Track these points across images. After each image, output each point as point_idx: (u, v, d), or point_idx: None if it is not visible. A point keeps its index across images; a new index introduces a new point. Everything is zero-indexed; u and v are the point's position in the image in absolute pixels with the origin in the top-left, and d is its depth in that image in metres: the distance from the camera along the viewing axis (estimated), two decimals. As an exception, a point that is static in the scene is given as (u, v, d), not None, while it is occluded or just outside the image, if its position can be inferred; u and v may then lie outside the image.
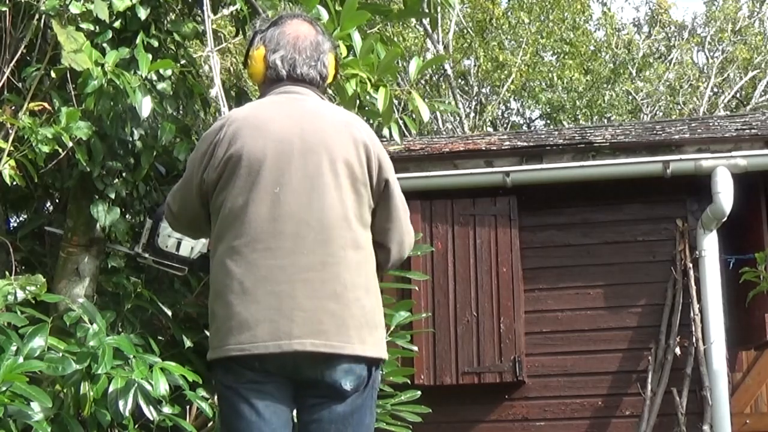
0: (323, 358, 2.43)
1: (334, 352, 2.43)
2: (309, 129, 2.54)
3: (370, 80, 3.72)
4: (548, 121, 18.21)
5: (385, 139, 5.93)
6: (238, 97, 4.54)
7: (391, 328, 4.29)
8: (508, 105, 18.98)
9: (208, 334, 4.29)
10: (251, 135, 2.51)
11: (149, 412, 3.45)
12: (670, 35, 19.17)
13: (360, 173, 2.54)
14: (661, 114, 17.96)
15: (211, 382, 4.08)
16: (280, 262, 2.44)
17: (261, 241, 2.45)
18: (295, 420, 2.59)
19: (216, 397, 2.64)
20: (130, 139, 3.94)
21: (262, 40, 2.69)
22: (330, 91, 3.57)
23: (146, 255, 3.99)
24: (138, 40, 3.76)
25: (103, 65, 3.53)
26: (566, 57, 17.61)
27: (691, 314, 5.75)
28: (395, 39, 13.37)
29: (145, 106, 3.65)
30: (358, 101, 3.82)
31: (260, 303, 2.42)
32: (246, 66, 2.74)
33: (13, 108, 3.67)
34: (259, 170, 2.48)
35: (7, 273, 3.64)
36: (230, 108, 4.47)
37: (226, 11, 4.07)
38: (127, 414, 3.38)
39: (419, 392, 4.40)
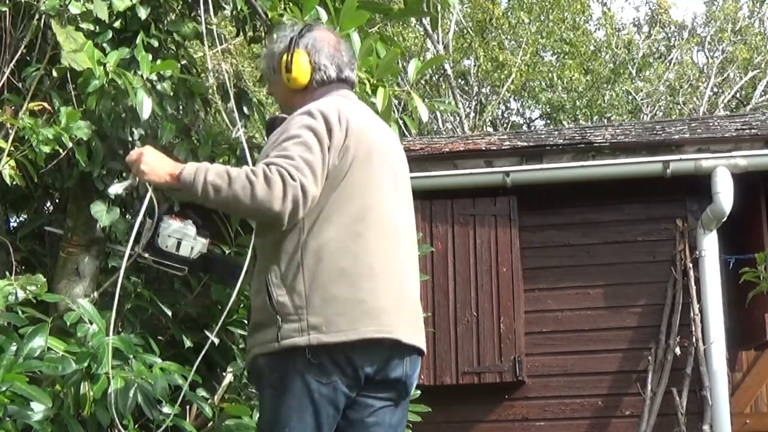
0: (415, 355, 2.54)
1: (423, 349, 2.58)
2: (386, 134, 2.69)
3: (369, 81, 3.72)
4: (548, 121, 18.21)
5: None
6: (237, 97, 4.53)
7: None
8: (508, 105, 19.00)
9: (208, 334, 4.33)
10: (361, 128, 2.56)
11: (149, 412, 3.46)
12: (670, 35, 19.18)
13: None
14: (661, 114, 17.97)
15: (211, 381, 4.10)
16: (394, 254, 2.53)
17: (376, 231, 2.51)
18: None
19: (276, 383, 2.44)
20: (130, 139, 3.94)
21: (303, 46, 2.70)
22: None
23: (146, 255, 3.99)
24: (138, 40, 3.76)
25: (105, 65, 3.54)
26: (566, 57, 17.62)
27: (691, 314, 5.75)
28: (395, 39, 13.37)
29: (146, 106, 3.65)
30: (357, 101, 3.82)
31: (391, 292, 2.48)
32: (289, 71, 2.68)
33: (13, 108, 3.67)
34: (372, 163, 2.55)
35: (7, 273, 3.64)
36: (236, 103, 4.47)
37: (226, 11, 4.06)
38: (127, 414, 3.38)
39: (419, 392, 4.40)
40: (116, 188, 2.77)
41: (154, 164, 2.49)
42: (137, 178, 2.57)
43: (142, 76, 3.64)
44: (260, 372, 2.48)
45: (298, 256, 2.43)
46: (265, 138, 2.77)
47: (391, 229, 2.54)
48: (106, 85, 3.55)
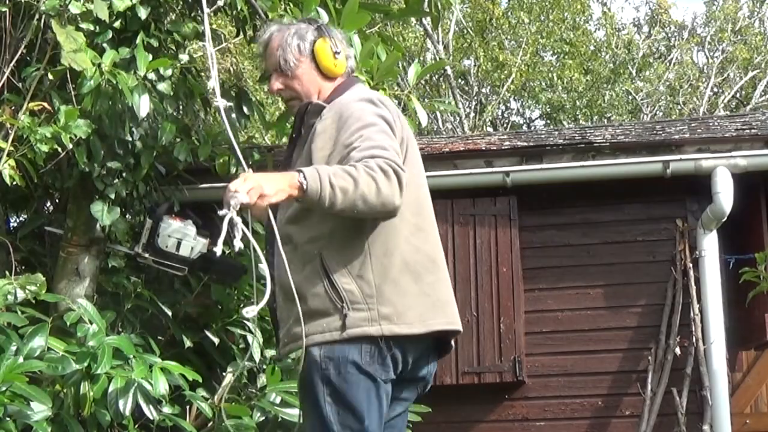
0: (435, 355, 2.56)
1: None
2: None
3: (369, 83, 3.72)
4: (548, 121, 18.20)
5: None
6: (238, 96, 4.54)
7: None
8: (508, 105, 18.99)
9: (209, 334, 4.33)
10: (404, 120, 2.56)
11: (149, 412, 3.46)
12: (670, 35, 19.16)
13: None
14: (661, 114, 17.96)
15: (211, 381, 4.10)
16: (441, 248, 2.56)
17: (430, 224, 2.53)
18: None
19: (335, 377, 2.33)
20: (130, 139, 3.94)
21: (334, 38, 2.65)
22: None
23: (146, 255, 4.00)
24: (138, 40, 3.76)
25: (100, 65, 3.54)
26: (566, 57, 17.61)
27: (691, 314, 5.75)
28: (395, 39, 13.36)
29: (143, 105, 3.65)
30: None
31: (448, 285, 2.50)
32: (337, 55, 2.62)
33: (13, 108, 3.67)
34: (416, 155, 2.55)
35: (7, 273, 3.64)
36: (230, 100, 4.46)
37: (220, 3, 4.02)
38: (127, 414, 3.38)
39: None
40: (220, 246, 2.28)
41: (273, 184, 2.21)
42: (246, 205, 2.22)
43: (139, 75, 3.64)
44: (314, 364, 2.35)
45: (365, 245, 2.37)
46: (295, 125, 2.64)
47: (435, 222, 2.57)
48: (103, 85, 3.55)
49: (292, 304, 2.37)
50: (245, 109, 4.52)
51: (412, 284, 2.39)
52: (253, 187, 2.17)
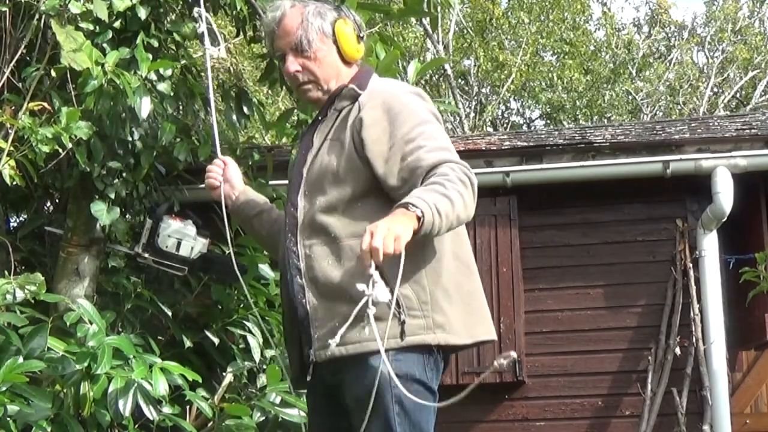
0: None
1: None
2: None
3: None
4: (548, 121, 18.21)
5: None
6: (237, 96, 4.54)
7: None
8: (508, 105, 18.99)
9: (209, 334, 4.34)
10: None
11: (149, 412, 3.46)
12: (670, 35, 19.17)
13: None
14: (661, 114, 17.97)
15: (211, 381, 4.10)
16: (471, 254, 2.47)
17: (463, 228, 2.42)
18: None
19: (404, 397, 2.20)
20: (130, 139, 3.94)
21: (356, 21, 2.51)
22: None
23: (146, 255, 4.00)
24: (138, 40, 3.76)
25: (103, 65, 3.54)
26: (566, 57, 17.62)
27: (691, 314, 5.75)
28: (395, 39, 13.35)
29: (145, 106, 3.66)
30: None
31: (482, 293, 2.42)
32: (361, 40, 2.50)
33: (13, 108, 3.67)
34: None
35: (6, 273, 3.64)
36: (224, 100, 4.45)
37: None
38: (127, 414, 3.38)
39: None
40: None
41: (398, 222, 2.09)
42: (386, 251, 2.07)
43: (141, 75, 3.64)
44: (382, 381, 2.19)
45: (418, 247, 2.20)
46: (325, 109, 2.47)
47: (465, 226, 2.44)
48: (105, 85, 3.55)
49: (334, 303, 2.22)
50: (245, 109, 4.52)
51: (457, 292, 2.31)
52: (385, 235, 2.04)
